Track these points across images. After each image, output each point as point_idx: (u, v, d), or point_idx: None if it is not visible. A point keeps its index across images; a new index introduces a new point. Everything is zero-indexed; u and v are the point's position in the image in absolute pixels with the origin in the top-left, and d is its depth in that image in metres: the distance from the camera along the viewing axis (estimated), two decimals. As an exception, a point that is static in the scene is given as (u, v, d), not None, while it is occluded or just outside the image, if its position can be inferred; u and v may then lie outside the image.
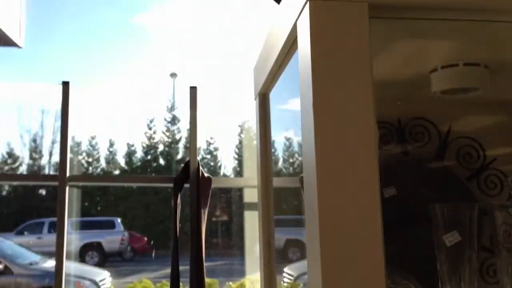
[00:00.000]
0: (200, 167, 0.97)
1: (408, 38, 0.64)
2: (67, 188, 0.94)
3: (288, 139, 0.86)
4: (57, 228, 0.93)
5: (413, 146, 0.81)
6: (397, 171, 0.79)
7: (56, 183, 0.94)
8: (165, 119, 10.84)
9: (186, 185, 0.98)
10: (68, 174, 0.95)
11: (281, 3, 0.62)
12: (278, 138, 0.86)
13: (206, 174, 0.97)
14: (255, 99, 0.87)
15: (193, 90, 1.02)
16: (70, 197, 0.94)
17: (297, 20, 0.52)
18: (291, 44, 0.61)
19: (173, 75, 10.73)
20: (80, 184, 1.06)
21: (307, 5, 0.48)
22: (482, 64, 0.69)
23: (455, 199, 0.77)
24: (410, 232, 0.73)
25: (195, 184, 0.95)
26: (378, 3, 0.49)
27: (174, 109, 10.58)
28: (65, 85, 1.00)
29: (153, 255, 7.71)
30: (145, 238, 8.37)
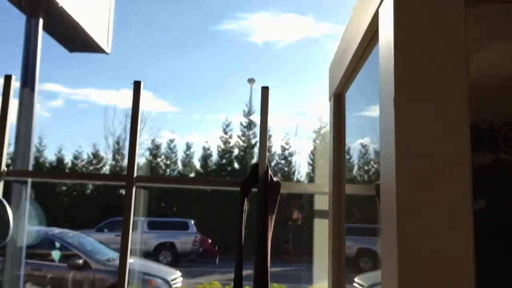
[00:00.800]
0: (269, 171, 0.92)
1: (508, 31, 0.56)
2: (134, 188, 0.93)
3: (364, 146, 0.80)
4: (122, 227, 0.92)
5: (507, 154, 0.72)
6: (488, 182, 0.70)
7: (124, 183, 0.93)
8: (241, 124, 10.92)
9: (254, 190, 0.93)
10: (135, 175, 0.94)
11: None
12: (353, 144, 0.80)
13: (274, 179, 0.93)
14: (330, 100, 0.82)
15: (265, 90, 0.98)
16: (137, 197, 0.93)
17: (378, 7, 0.47)
18: (371, 36, 0.55)
19: (251, 80, 10.78)
20: (146, 185, 1.05)
21: (391, -12, 0.42)
22: None
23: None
24: (503, 247, 0.65)
25: (263, 189, 0.90)
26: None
27: (250, 114, 10.64)
28: (137, 84, 0.99)
29: (218, 258, 7.77)
30: (209, 241, 8.45)
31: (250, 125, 10.84)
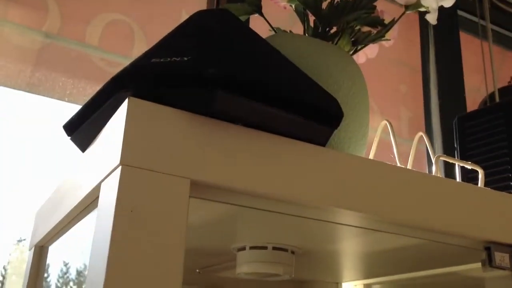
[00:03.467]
0: None
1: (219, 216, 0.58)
2: None
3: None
4: None
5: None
6: None
7: None
8: None
9: None
10: None
11: (81, 160, 0.52)
12: None
13: None
14: (30, 249, 0.72)
15: None
16: None
17: (102, 181, 0.43)
18: (89, 203, 0.50)
19: None
20: None
21: (119, 169, 0.39)
22: (289, 250, 0.66)
23: None
24: None
25: None
26: (200, 182, 0.42)
27: None
28: None
29: None
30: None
31: None
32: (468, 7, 1.75)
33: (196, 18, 0.55)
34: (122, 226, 0.38)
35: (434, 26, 1.59)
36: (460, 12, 1.69)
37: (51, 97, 1.35)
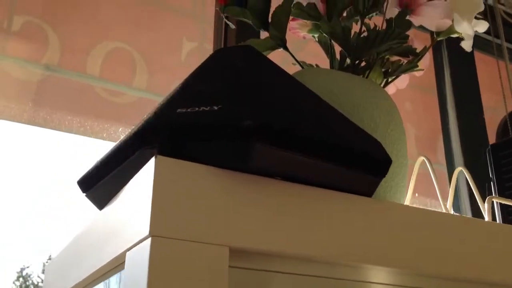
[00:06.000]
0: None
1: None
2: None
3: None
4: None
5: None
6: None
7: None
8: None
9: None
10: None
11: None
12: None
13: None
14: (43, 311, 0.66)
15: None
16: None
17: (128, 250, 0.38)
18: (110, 268, 0.45)
19: None
20: None
21: (148, 241, 0.34)
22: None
23: None
24: None
25: None
26: (239, 249, 0.37)
27: None
28: None
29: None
30: None
31: None
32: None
33: (219, 57, 0.50)
34: (156, 310, 0.32)
35: (448, 47, 1.55)
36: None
37: (58, 130, 1.31)
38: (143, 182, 0.37)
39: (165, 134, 0.38)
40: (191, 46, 1.40)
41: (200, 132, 0.38)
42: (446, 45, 1.55)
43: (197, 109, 0.39)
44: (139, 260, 0.35)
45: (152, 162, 0.36)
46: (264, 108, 0.40)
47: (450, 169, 1.45)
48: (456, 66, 1.54)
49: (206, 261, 0.35)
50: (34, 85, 1.29)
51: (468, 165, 1.37)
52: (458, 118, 1.49)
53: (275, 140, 0.38)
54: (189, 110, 0.39)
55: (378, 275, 0.43)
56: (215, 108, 0.39)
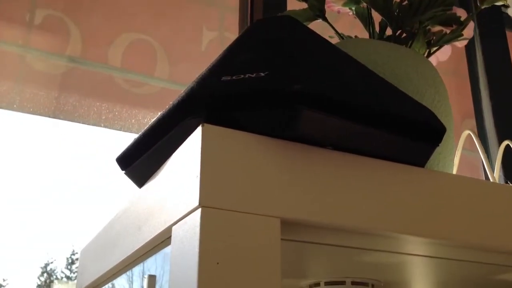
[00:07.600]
0: None
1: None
2: None
3: None
4: None
5: None
6: None
7: None
8: None
9: None
10: None
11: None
12: None
13: None
14: (79, 292, 0.65)
15: None
16: None
17: (174, 224, 0.36)
18: (153, 246, 0.44)
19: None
20: None
21: (198, 212, 0.32)
22: (370, 283, 0.59)
23: None
24: None
25: None
26: (291, 221, 0.35)
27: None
28: None
29: None
30: None
31: None
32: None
33: (257, 28, 0.48)
34: (209, 283, 0.31)
35: (479, 26, 1.50)
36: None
37: (86, 123, 1.31)
38: (189, 152, 0.35)
39: (210, 103, 0.36)
40: (211, 36, 1.38)
41: (248, 99, 0.36)
42: (477, 21, 1.50)
43: (242, 76, 0.37)
44: (188, 233, 0.33)
45: (199, 130, 0.34)
46: (313, 74, 0.38)
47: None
48: (487, 44, 1.49)
49: (258, 233, 0.33)
50: (58, 77, 1.29)
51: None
52: (491, 98, 1.44)
53: (327, 107, 0.36)
54: (234, 77, 0.38)
55: (432, 248, 0.40)
56: (262, 74, 0.37)
